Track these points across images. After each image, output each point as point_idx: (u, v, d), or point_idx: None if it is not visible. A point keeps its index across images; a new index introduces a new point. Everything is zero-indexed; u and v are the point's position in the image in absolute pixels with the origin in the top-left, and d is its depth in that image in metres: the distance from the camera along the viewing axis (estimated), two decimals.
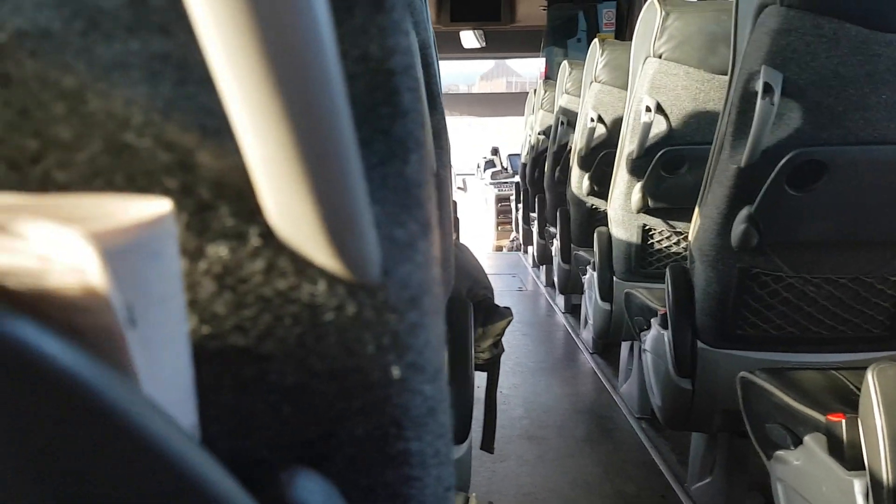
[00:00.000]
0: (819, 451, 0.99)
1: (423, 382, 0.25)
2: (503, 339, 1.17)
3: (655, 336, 1.61)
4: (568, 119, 3.32)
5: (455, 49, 6.99)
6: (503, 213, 7.55)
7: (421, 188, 0.25)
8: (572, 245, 3.08)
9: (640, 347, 1.90)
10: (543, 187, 3.86)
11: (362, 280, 0.23)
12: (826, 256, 1.27)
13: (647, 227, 2.19)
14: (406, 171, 0.24)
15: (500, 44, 7.18)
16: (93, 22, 0.20)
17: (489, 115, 10.53)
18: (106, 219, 0.17)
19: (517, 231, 6.24)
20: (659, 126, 1.96)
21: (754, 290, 1.32)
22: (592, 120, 2.61)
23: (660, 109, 1.94)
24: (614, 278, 2.33)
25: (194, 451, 0.17)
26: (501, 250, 7.10)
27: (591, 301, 2.57)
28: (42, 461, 0.15)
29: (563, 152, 3.33)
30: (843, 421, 0.94)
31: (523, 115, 5.81)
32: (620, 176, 2.17)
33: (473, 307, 1.03)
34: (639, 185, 2.05)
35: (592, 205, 2.81)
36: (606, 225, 2.35)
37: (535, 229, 4.57)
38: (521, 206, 5.52)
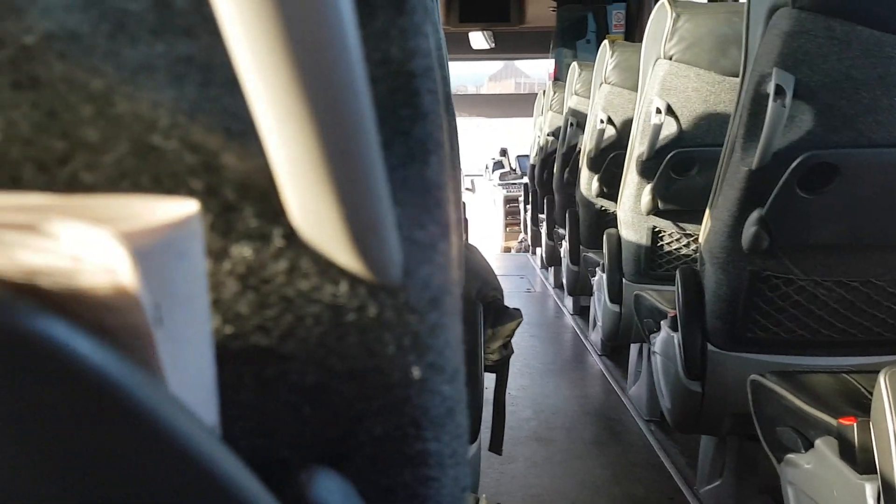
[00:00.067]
0: (830, 454, 0.99)
1: (443, 383, 0.25)
2: (511, 341, 1.17)
3: (665, 338, 1.60)
4: (577, 120, 3.32)
5: (464, 50, 6.99)
6: (511, 215, 7.55)
7: (441, 190, 0.25)
8: (581, 247, 3.08)
9: (649, 350, 1.90)
10: (552, 188, 3.86)
11: (384, 281, 0.23)
12: (837, 259, 1.27)
13: (657, 229, 2.18)
14: (426, 172, 0.25)
15: (509, 45, 7.18)
16: (119, 25, 0.21)
17: (498, 117, 10.54)
18: (134, 219, 0.17)
19: (525, 232, 6.23)
20: (669, 128, 1.96)
21: (765, 292, 1.32)
22: (602, 121, 2.61)
23: (670, 111, 1.94)
24: (623, 280, 2.33)
25: (219, 451, 0.17)
26: (509, 251, 7.10)
27: (599, 303, 2.57)
28: (72, 458, 0.15)
29: (572, 154, 3.33)
30: (855, 424, 0.94)
31: (532, 116, 5.80)
32: (630, 177, 2.16)
33: (483, 308, 1.03)
34: (649, 187, 2.05)
35: (601, 206, 2.80)
36: (616, 226, 2.34)
37: (543, 231, 4.57)
38: (529, 207, 5.52)
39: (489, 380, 1.09)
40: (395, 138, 0.24)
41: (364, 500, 0.25)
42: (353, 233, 0.21)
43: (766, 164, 1.17)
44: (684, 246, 2.19)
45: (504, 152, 8.33)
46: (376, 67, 0.24)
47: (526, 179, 6.21)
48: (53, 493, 0.15)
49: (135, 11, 0.21)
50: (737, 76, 1.29)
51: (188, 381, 0.20)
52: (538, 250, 5.35)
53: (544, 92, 4.93)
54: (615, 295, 2.36)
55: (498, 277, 1.23)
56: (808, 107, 1.13)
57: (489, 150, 8.75)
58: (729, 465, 1.61)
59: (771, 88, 1.12)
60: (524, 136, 7.62)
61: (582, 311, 3.62)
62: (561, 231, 3.65)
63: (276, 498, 0.19)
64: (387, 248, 0.22)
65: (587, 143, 2.78)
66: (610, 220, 2.62)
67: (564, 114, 3.57)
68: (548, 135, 4.34)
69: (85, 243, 0.16)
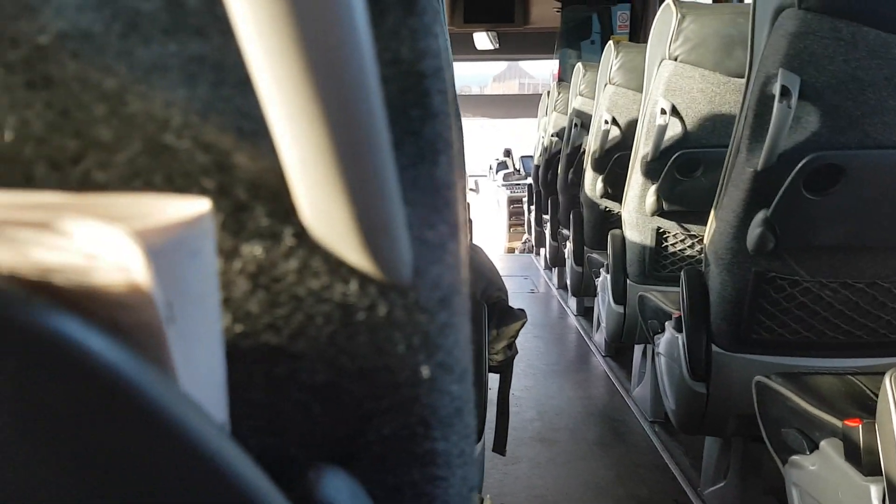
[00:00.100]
0: (835, 456, 0.98)
1: (452, 382, 0.25)
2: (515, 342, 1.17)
3: (669, 339, 1.60)
4: (582, 121, 3.32)
5: (468, 50, 6.99)
6: (515, 215, 7.54)
7: (450, 190, 0.25)
8: (585, 247, 3.07)
9: (653, 351, 1.90)
10: (556, 189, 3.86)
11: (394, 280, 0.23)
12: (843, 260, 1.27)
13: (662, 230, 2.18)
14: (436, 172, 0.25)
15: (514, 45, 7.17)
16: (132, 24, 0.21)
17: (502, 117, 10.54)
18: (147, 218, 0.17)
19: (529, 233, 6.23)
20: (674, 129, 1.96)
21: (770, 293, 1.32)
22: (606, 122, 2.61)
23: (675, 112, 1.94)
24: (628, 281, 2.32)
25: (229, 448, 0.17)
26: (513, 252, 7.09)
27: (604, 304, 2.57)
28: (84, 455, 0.15)
29: (576, 154, 3.33)
30: (860, 426, 0.93)
31: (536, 116, 5.80)
32: (635, 178, 2.16)
33: (487, 309, 1.03)
34: (653, 188, 2.05)
35: (606, 207, 2.80)
36: (620, 227, 2.34)
37: (547, 231, 4.57)
38: (533, 208, 5.52)
39: (493, 380, 1.09)
40: (406, 138, 0.24)
41: (372, 498, 0.25)
42: (364, 232, 0.21)
43: (771, 165, 1.17)
44: (689, 247, 2.19)
45: (508, 153, 8.33)
46: (387, 67, 0.24)
47: (530, 180, 6.20)
48: (66, 489, 0.15)
49: (147, 11, 0.21)
50: (742, 77, 1.29)
51: (199, 379, 0.20)
52: (542, 251, 5.34)
53: (548, 93, 4.92)
54: (619, 296, 2.36)
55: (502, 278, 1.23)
56: (814, 108, 1.13)
57: (493, 151, 8.74)
58: (733, 466, 1.60)
59: (776, 89, 1.12)
60: (528, 137, 7.62)
61: (586, 312, 3.62)
62: (565, 232, 3.65)
63: (284, 496, 0.19)
64: (397, 248, 0.22)
65: (592, 143, 2.78)
66: (614, 220, 2.62)
67: (569, 114, 3.57)
68: (552, 135, 4.34)
69: (98, 241, 0.16)
